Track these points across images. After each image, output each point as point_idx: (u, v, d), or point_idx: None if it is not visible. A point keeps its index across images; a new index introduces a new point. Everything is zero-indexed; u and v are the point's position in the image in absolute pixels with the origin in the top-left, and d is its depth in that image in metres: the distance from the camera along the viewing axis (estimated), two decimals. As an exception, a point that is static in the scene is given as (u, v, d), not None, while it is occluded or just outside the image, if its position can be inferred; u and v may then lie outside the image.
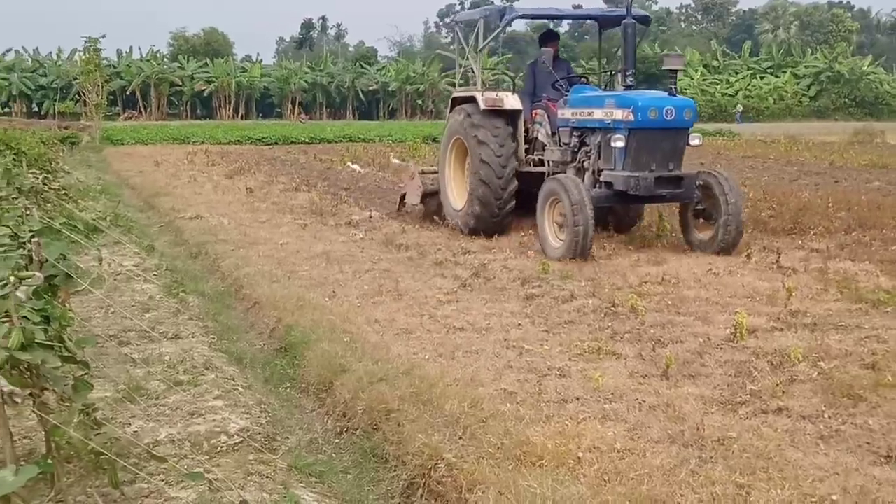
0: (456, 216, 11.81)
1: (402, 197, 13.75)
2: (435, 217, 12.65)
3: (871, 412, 4.81)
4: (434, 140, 36.52)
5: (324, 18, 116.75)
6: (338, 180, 19.74)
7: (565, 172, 10.56)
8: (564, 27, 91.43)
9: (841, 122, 57.82)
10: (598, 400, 5.13)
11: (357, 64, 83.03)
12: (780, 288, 7.60)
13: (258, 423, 5.02)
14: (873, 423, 4.66)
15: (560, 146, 10.97)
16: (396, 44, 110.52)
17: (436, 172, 13.01)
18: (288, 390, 5.99)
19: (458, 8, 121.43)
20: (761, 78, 76.30)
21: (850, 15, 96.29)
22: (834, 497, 3.85)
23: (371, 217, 13.01)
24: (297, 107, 77.24)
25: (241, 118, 73.52)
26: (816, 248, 9.95)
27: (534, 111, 11.56)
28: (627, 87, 10.13)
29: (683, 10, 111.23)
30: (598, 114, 10.14)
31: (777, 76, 76.47)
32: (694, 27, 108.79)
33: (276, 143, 36.70)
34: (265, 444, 4.73)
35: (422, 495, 4.28)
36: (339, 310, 7.37)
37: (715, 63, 79.08)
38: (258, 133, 39.59)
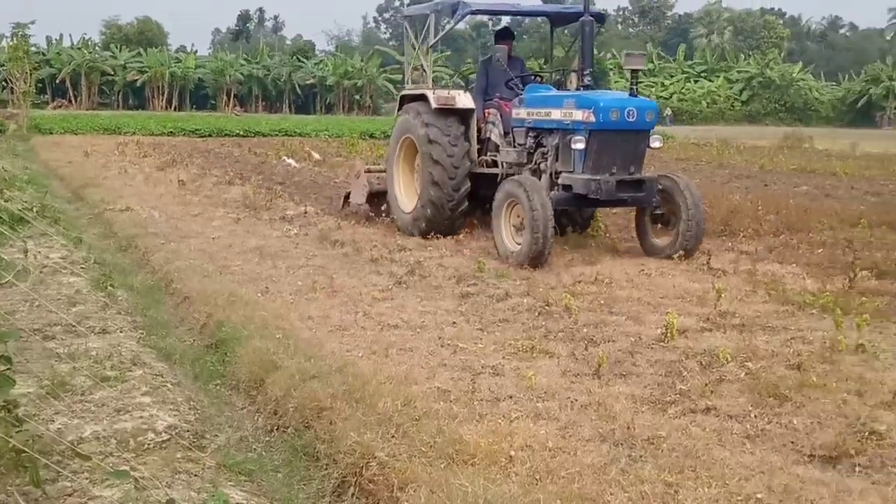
0: (405, 218, 11.35)
1: (347, 196, 13.30)
2: (382, 216, 12.24)
3: (795, 412, 4.91)
4: (371, 136, 36.47)
5: (261, 10, 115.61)
6: (272, 174, 19.54)
7: (520, 174, 10.17)
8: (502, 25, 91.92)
9: (771, 127, 59.21)
10: (531, 398, 5.15)
11: (294, 57, 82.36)
12: (710, 289, 7.73)
13: (187, 420, 4.93)
14: (798, 423, 4.76)
15: (515, 147, 10.61)
16: (335, 38, 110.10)
17: (383, 171, 12.58)
18: (218, 387, 5.90)
19: (397, 3, 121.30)
20: (695, 82, 77.69)
21: (781, 22, 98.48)
22: (759, 495, 3.92)
23: (306, 212, 12.90)
24: (231, 99, 76.37)
25: (175, 109, 72.42)
26: (746, 250, 10.14)
27: (486, 110, 11.20)
28: (584, 87, 9.84)
29: (620, 13, 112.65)
30: (557, 114, 9.78)
31: (710, 80, 77.92)
32: (630, 30, 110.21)
33: (210, 136, 36.22)
34: (194, 442, 4.64)
35: (353, 494, 4.24)
36: (271, 306, 7.29)
37: (650, 66, 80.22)
38: (192, 125, 39.01)
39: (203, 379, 6.03)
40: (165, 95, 75.78)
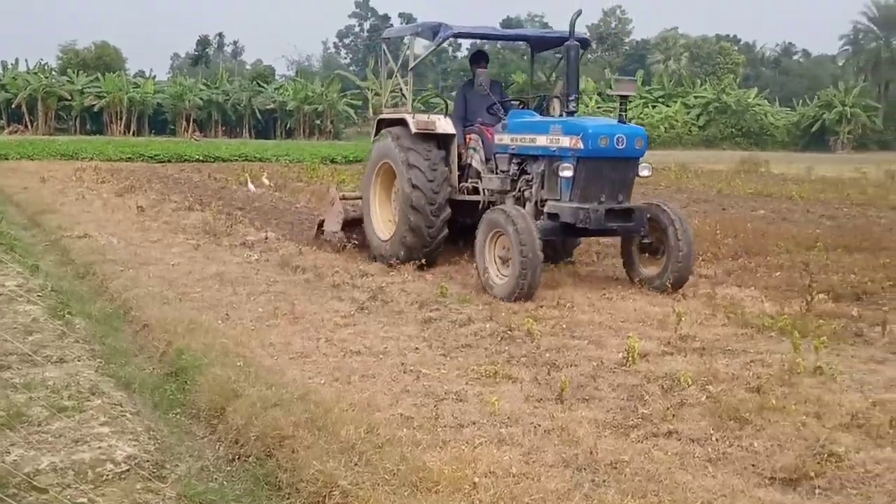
0: (382, 246, 10.96)
1: (320, 224, 12.75)
2: (355, 244, 11.81)
3: (756, 434, 4.96)
4: (333, 161, 36.41)
5: (220, 35, 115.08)
6: (232, 200, 19.42)
7: (503, 202, 9.96)
8: (464, 51, 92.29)
9: (728, 151, 59.97)
10: (495, 424, 5.15)
11: (254, 82, 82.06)
12: (670, 313, 7.79)
13: (146, 450, 4.86)
14: (758, 446, 4.81)
15: (497, 174, 10.32)
16: (295, 63, 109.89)
17: (359, 198, 12.13)
18: (178, 416, 5.82)
19: (357, 29, 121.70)
20: (653, 107, 78.54)
21: (736, 48, 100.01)
22: (721, 519, 3.94)
23: (267, 238, 12.82)
24: (191, 124, 75.83)
25: (133, 135, 71.74)
26: (705, 273, 10.25)
27: (467, 136, 10.92)
28: (569, 113, 9.49)
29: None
30: (542, 140, 9.49)
31: (668, 105, 78.82)
32: (589, 56, 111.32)
33: (169, 161, 35.91)
34: (153, 472, 4.58)
35: (316, 523, 4.20)
36: (232, 333, 7.23)
37: (609, 91, 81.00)
38: (150, 150, 38.66)
39: (163, 408, 5.95)
40: (124, 120, 75.05)
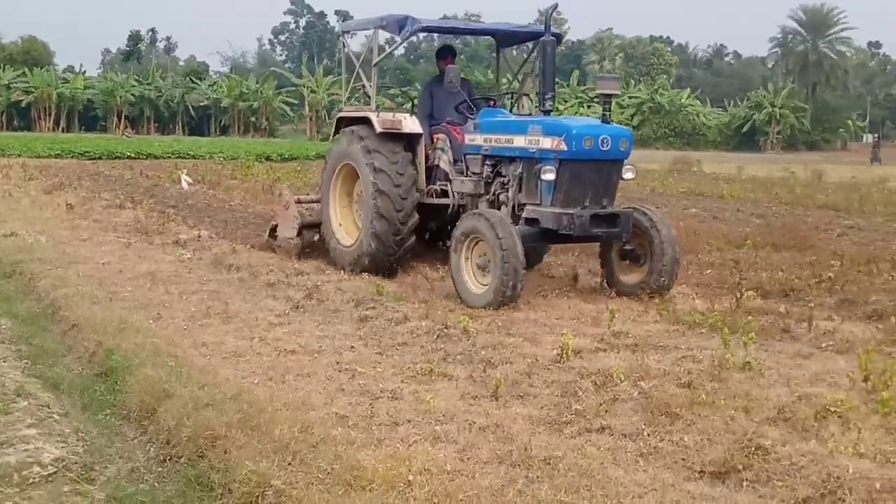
0: (344, 253, 10.38)
1: (273, 229, 11.96)
2: (312, 251, 11.33)
3: (686, 429, 5.04)
4: (268, 159, 36.07)
5: (153, 31, 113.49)
6: (165, 197, 19.13)
7: (475, 206, 9.47)
8: (400, 49, 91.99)
9: (661, 151, 60.92)
10: (430, 422, 5.16)
11: (187, 78, 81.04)
12: (603, 310, 7.89)
13: (75, 452, 4.77)
14: (688, 440, 4.89)
15: (468, 176, 9.76)
16: (229, 59, 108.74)
17: (316, 202, 11.49)
18: (108, 417, 5.70)
19: (292, 26, 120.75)
20: (588, 107, 79.38)
21: (669, 49, 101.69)
22: (652, 512, 4.00)
23: (200, 236, 12.64)
24: (122, 121, 74.57)
25: (63, 131, 70.32)
26: (638, 271, 10.36)
27: (434, 136, 10.30)
28: (545, 112, 8.96)
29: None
30: (520, 141, 8.92)
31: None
32: (524, 55, 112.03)
33: (100, 158, 35.23)
34: (82, 475, 4.49)
35: (249, 524, 4.16)
36: (164, 333, 7.12)
37: (594, 91, 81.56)
38: (80, 147, 37.91)
39: (92, 409, 5.83)
40: (53, 116, 73.53)
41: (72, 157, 35.21)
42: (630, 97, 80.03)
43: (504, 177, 9.33)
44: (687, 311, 8.20)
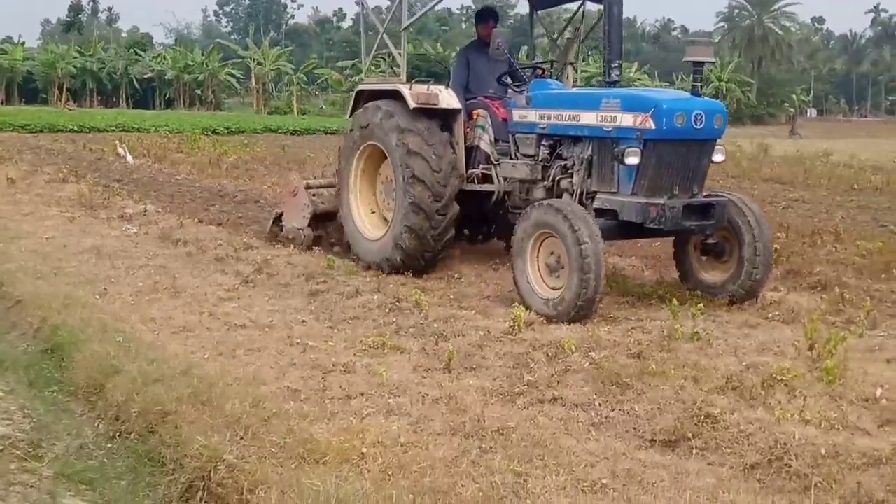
0: (369, 248, 8.97)
1: (278, 218, 10.58)
2: (332, 245, 10.01)
3: (637, 399, 5.10)
4: (214, 132, 35.56)
5: (94, 1, 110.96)
6: (109, 171, 18.80)
7: (528, 193, 8.32)
8: (349, 21, 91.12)
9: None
10: (383, 395, 5.16)
11: (131, 50, 79.55)
12: (554, 282, 7.92)
13: (21, 429, 4.68)
14: (639, 409, 4.95)
15: (517, 158, 8.47)
16: (173, 31, 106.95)
17: (330, 186, 10.13)
18: (55, 394, 5.61)
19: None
20: (424, 82, 79.66)
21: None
22: (604, 481, 4.05)
23: (146, 210, 12.44)
24: (64, 93, 72.99)
25: (2, 103, 68.61)
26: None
27: (474, 112, 8.86)
28: (611, 83, 7.68)
29: (464, 12, 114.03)
30: (590, 118, 7.57)
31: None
32: (473, 29, 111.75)
33: (41, 131, 34.42)
34: (29, 452, 4.40)
35: (201, 498, 4.12)
36: (110, 308, 7.02)
37: (389, 68, 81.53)
38: (21, 120, 36.97)
39: (38, 386, 5.72)
40: (-9, 88, 71.74)
41: (12, 130, 34.32)
42: (582, 70, 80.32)
43: (566, 160, 8.00)
44: (636, 283, 8.30)
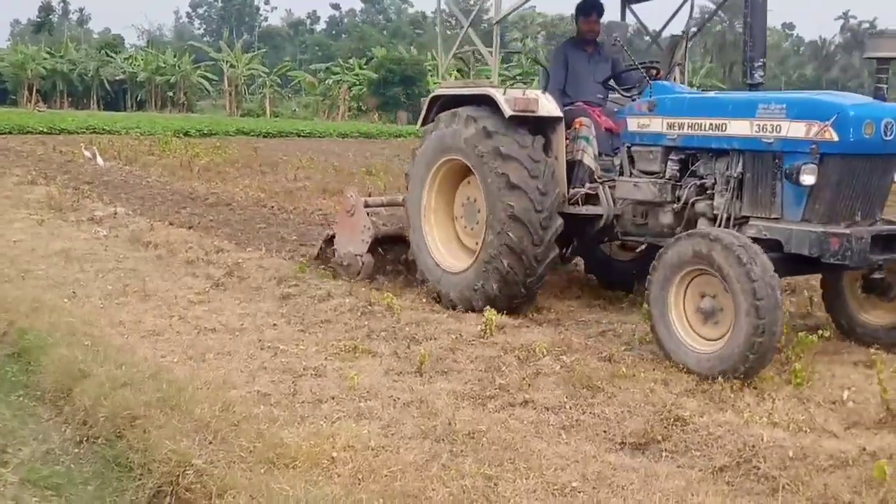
0: (453, 282, 7.53)
1: (330, 239, 9.06)
2: (400, 276, 8.56)
3: (607, 402, 5.12)
4: (186, 134, 35.28)
5: (65, 2, 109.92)
6: (79, 174, 18.60)
7: (649, 217, 7.08)
8: (322, 24, 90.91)
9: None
10: (354, 399, 5.14)
11: (102, 52, 78.81)
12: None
13: (-14, 435, 4.62)
14: (609, 412, 4.97)
15: (633, 175, 7.12)
16: (145, 32, 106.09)
17: (391, 205, 9.01)
18: (21, 399, 5.54)
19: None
20: (512, 84, 79.84)
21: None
22: (574, 484, 4.07)
23: (116, 213, 12.33)
24: (34, 95, 72.20)
25: (-30, 105, 67.82)
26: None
27: (575, 121, 7.54)
28: (752, 86, 6.51)
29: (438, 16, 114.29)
30: (741, 127, 6.23)
31: (526, 83, 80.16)
32: (449, 31, 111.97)
33: (10, 133, 33.95)
34: (-6, 458, 4.36)
35: (170, 503, 4.10)
36: (79, 312, 6.95)
37: (467, 69, 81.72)
38: (-11, 121, 36.55)
39: (4, 390, 5.66)
40: (-41, 90, 70.90)
41: (-20, 131, 33.95)
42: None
43: (704, 178, 6.64)
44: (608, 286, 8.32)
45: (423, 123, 8.18)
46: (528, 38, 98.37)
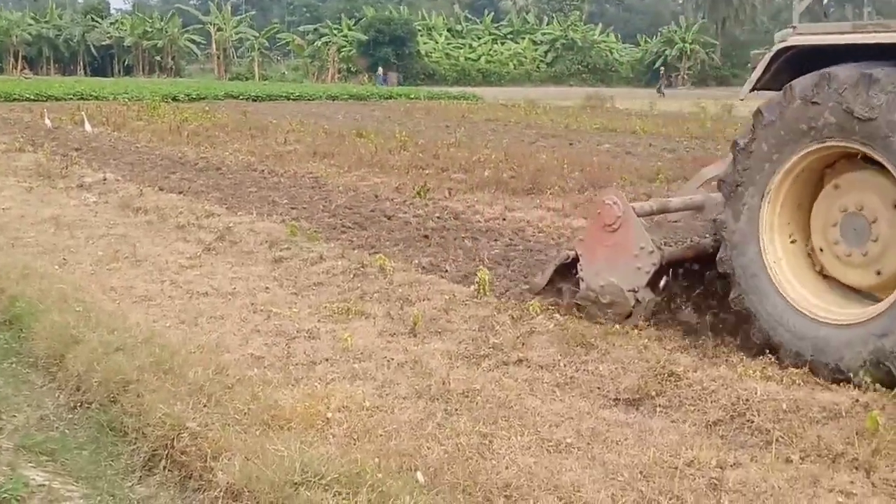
0: (832, 338, 4.85)
1: (568, 265, 6.29)
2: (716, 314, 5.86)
3: (601, 359, 5.13)
4: (174, 99, 34.95)
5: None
6: (68, 140, 18.46)
7: None
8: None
9: (576, 88, 61.14)
10: (348, 360, 5.14)
11: (88, 16, 77.88)
12: (519, 244, 7.92)
13: (-21, 402, 4.61)
14: (603, 369, 4.97)
15: None
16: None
17: (680, 210, 6.51)
18: (14, 365, 5.53)
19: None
20: (502, 44, 79.11)
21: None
22: (569, 440, 4.08)
23: (105, 179, 12.24)
24: (20, 61, 71.50)
25: (-45, 73, 67.15)
26: (553, 206, 10.46)
27: None
28: None
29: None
30: None
31: (517, 42, 79.57)
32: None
33: (-2, 101, 33.76)
34: (-12, 425, 4.35)
35: (164, 467, 4.09)
36: (70, 278, 6.92)
37: (458, 28, 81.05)
38: (-25, 89, 36.20)
39: (-4, 358, 5.65)
40: (-57, 57, 70.14)
41: (-34, 99, 33.64)
42: (543, 33, 79.97)
43: None
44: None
45: (757, 88, 5.53)
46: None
